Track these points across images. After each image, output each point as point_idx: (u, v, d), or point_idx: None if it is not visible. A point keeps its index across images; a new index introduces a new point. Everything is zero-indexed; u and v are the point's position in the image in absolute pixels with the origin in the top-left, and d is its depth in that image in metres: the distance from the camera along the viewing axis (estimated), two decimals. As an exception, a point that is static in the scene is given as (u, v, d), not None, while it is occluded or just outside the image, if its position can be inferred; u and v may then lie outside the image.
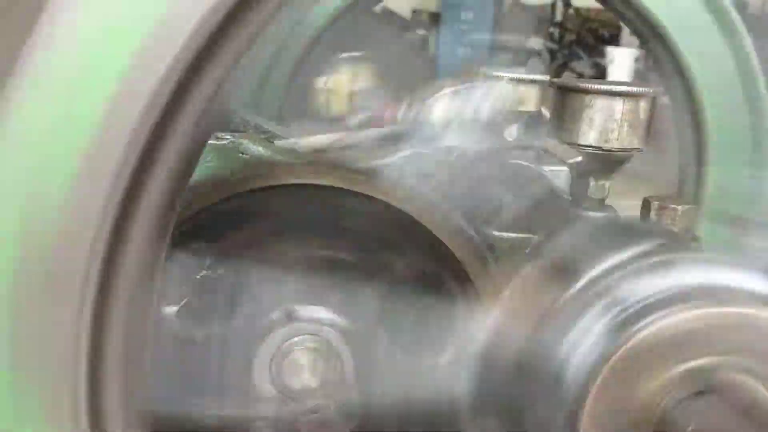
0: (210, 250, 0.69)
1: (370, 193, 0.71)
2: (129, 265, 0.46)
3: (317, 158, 0.83)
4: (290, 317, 0.72)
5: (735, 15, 1.32)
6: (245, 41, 0.46)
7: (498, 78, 1.22)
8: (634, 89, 0.73)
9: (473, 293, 0.71)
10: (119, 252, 0.45)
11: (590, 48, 6.17)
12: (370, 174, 0.73)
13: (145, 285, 0.48)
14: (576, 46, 6.26)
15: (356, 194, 0.73)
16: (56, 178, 0.43)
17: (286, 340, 0.72)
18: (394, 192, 0.74)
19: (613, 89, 0.73)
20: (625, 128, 0.73)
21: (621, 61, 5.59)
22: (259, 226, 0.72)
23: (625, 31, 6.14)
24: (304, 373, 0.72)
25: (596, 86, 0.73)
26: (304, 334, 0.72)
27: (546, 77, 1.20)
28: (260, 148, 0.82)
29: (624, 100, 0.73)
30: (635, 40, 5.69)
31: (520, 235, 0.75)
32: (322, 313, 0.72)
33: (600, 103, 0.73)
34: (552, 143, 0.90)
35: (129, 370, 0.50)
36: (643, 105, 0.74)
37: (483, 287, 0.70)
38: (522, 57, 6.29)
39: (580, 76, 5.89)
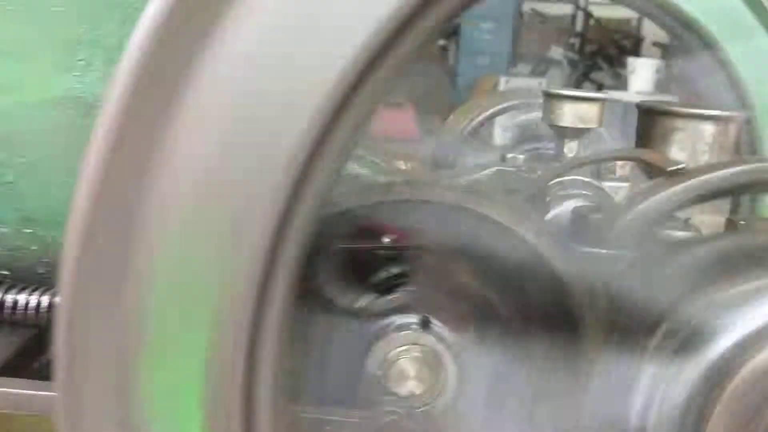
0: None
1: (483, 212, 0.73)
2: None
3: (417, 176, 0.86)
4: (398, 327, 0.76)
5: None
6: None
7: (560, 96, 1.26)
8: (724, 113, 0.77)
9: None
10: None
11: (611, 58, 6.20)
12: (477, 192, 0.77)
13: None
14: (597, 57, 6.28)
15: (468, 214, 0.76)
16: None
17: (393, 350, 0.76)
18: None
19: (704, 113, 0.77)
20: (716, 151, 0.77)
21: (642, 71, 5.60)
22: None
23: (646, 42, 6.16)
24: (410, 380, 0.76)
25: (688, 110, 0.77)
26: (412, 343, 0.75)
27: (606, 95, 1.24)
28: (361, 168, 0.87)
29: (714, 124, 0.77)
30: (657, 51, 5.71)
31: (612, 252, 0.77)
32: (430, 324, 0.76)
33: (691, 126, 0.77)
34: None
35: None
36: (732, 128, 0.78)
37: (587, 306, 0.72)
38: (542, 67, 6.31)
39: (601, 86, 5.91)
